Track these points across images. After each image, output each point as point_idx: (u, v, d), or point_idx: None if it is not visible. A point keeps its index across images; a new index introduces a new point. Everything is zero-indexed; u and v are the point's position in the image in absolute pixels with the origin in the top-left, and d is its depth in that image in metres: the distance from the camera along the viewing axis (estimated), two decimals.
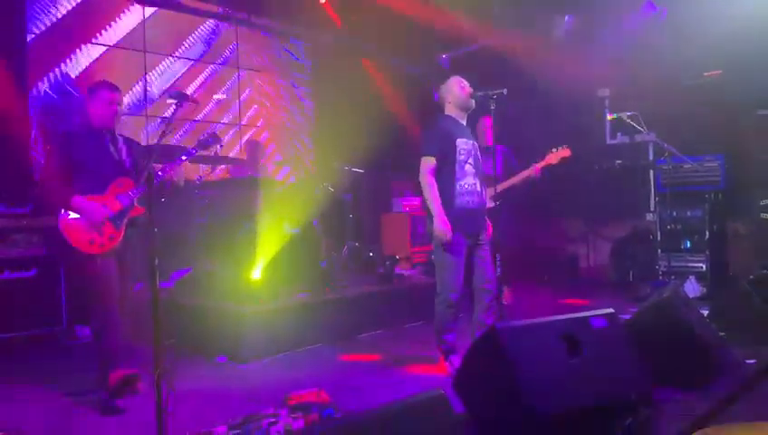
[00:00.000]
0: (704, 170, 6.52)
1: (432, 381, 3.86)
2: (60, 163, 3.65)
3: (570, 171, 5.34)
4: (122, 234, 3.64)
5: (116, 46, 6.79)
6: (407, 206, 7.99)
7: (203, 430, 2.87)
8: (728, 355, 3.96)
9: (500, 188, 5.16)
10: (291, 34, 8.55)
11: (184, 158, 3.83)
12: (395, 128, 8.25)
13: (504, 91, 4.02)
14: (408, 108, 8.62)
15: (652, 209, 6.96)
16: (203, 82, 7.58)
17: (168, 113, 6.67)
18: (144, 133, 6.75)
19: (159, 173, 3.72)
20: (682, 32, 6.68)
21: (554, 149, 5.15)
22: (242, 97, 8.00)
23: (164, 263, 4.31)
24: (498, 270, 4.20)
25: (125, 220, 3.65)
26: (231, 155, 7.39)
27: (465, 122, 4.19)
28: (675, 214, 6.61)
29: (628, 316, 3.96)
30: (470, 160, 4.05)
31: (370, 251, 6.77)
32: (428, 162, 4.00)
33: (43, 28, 6.17)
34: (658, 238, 6.74)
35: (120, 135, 3.92)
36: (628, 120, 6.02)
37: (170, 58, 7.25)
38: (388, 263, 6.24)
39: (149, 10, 7.08)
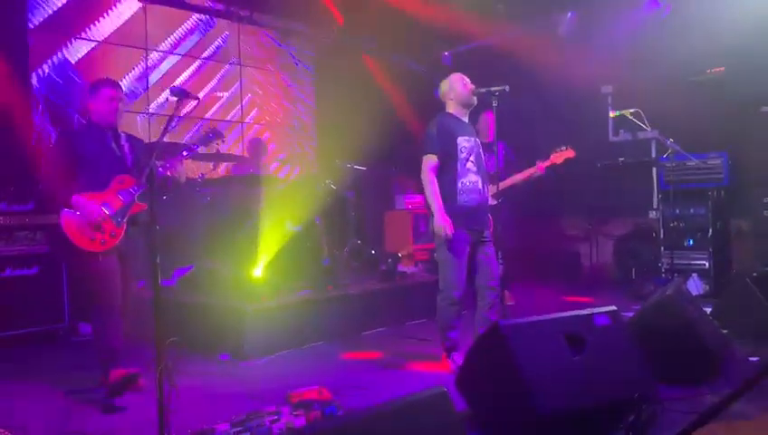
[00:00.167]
0: (707, 168, 6.50)
1: (435, 379, 3.85)
2: (62, 161, 3.65)
3: (572, 169, 5.33)
4: (124, 231, 3.62)
5: (117, 44, 6.79)
6: (409, 203, 7.98)
7: (205, 428, 2.87)
8: (731, 353, 3.96)
9: (502, 186, 5.16)
10: (292, 32, 8.54)
11: (185, 154, 3.83)
12: (397, 125, 8.24)
13: (507, 87, 4.01)
14: (410, 105, 8.61)
15: (655, 207, 6.95)
16: (200, 79, 7.57)
17: (168, 110, 6.70)
18: (138, 128, 6.77)
19: (161, 170, 3.70)
20: (685, 28, 6.66)
21: (561, 148, 5.15)
22: (243, 94, 7.99)
23: (166, 260, 4.32)
24: (500, 267, 4.19)
25: (126, 217, 3.63)
26: (233, 153, 7.38)
27: (466, 119, 4.19)
28: (678, 211, 6.60)
29: (631, 314, 3.95)
30: (471, 158, 4.04)
31: (373, 249, 6.77)
32: (430, 160, 4.00)
33: (41, 20, 6.15)
34: (661, 236, 6.73)
35: (123, 132, 3.90)
36: (631, 118, 6.00)
37: (171, 55, 7.26)
38: (390, 260, 6.23)
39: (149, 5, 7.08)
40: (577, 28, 7.62)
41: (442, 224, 3.90)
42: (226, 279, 5.24)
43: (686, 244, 6.59)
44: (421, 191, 4.12)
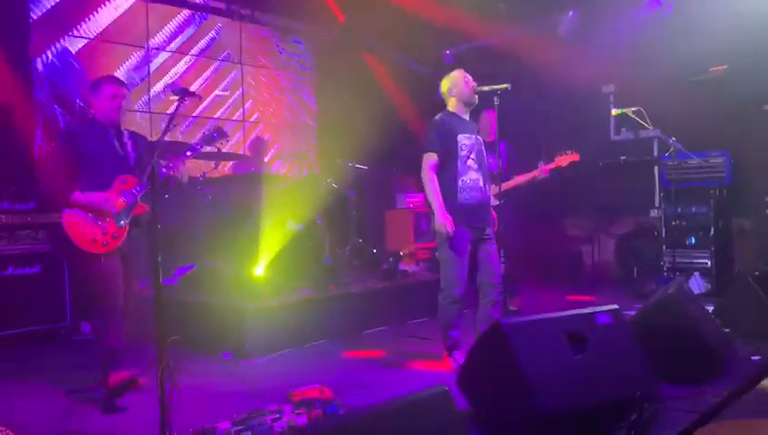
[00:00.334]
0: (709, 166, 6.50)
1: (436, 378, 3.86)
2: (64, 160, 3.62)
3: (573, 168, 5.33)
4: (126, 232, 3.59)
5: (118, 42, 6.79)
6: (410, 202, 7.97)
7: (207, 426, 2.87)
8: (733, 352, 3.95)
9: (505, 186, 5.17)
10: (293, 30, 8.54)
11: (189, 153, 3.80)
12: (398, 123, 8.24)
13: (509, 86, 4.01)
14: (412, 103, 8.60)
15: (657, 205, 6.94)
16: (197, 75, 7.57)
17: (171, 109, 6.70)
18: (138, 121, 6.78)
19: (164, 170, 3.67)
20: (687, 27, 6.65)
21: (566, 152, 5.20)
22: (244, 94, 7.99)
23: (167, 259, 4.32)
24: (503, 266, 4.19)
25: (129, 218, 3.60)
26: (234, 152, 7.38)
27: (468, 117, 4.19)
28: (680, 210, 6.59)
29: (632, 313, 3.94)
30: (472, 156, 4.04)
31: (374, 247, 6.77)
32: (430, 159, 4.01)
33: (41, 13, 6.17)
34: (663, 235, 6.73)
35: (126, 130, 3.86)
36: (633, 116, 6.00)
37: (170, 53, 7.26)
38: (391, 259, 6.23)
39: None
40: (578, 27, 7.61)
41: (442, 222, 3.90)
42: (228, 278, 5.24)
43: (687, 242, 6.59)
44: (422, 190, 4.11)
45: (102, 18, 6.62)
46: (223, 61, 7.71)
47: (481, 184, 4.06)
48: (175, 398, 2.65)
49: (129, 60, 6.87)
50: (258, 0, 7.82)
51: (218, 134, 3.87)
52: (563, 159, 5.22)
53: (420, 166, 4.05)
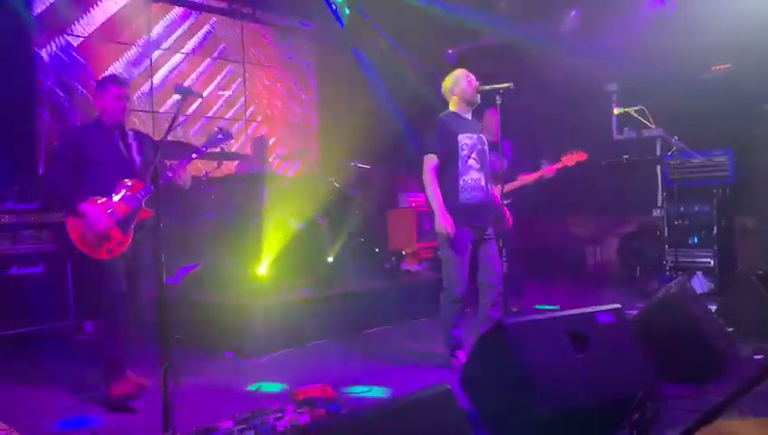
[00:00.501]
0: (712, 165, 6.48)
1: (438, 377, 3.85)
2: (68, 163, 3.54)
3: (576, 167, 5.32)
4: (131, 238, 3.51)
5: (121, 42, 6.81)
6: (413, 201, 7.96)
7: (209, 425, 2.88)
8: (736, 351, 3.95)
9: (511, 186, 5.17)
10: (295, 29, 8.54)
11: (194, 156, 3.70)
12: (401, 122, 8.23)
13: (511, 85, 4.01)
14: (414, 103, 8.60)
15: (659, 205, 6.93)
16: (199, 75, 7.59)
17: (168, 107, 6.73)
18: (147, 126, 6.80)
19: (170, 174, 3.58)
20: (690, 25, 6.63)
21: (573, 151, 5.17)
22: (246, 92, 8.00)
23: (171, 259, 4.32)
24: (505, 265, 4.19)
25: (133, 224, 3.52)
26: (236, 151, 7.39)
27: (470, 116, 4.18)
28: (682, 209, 6.57)
29: (635, 312, 3.94)
30: (473, 155, 4.03)
31: (376, 247, 6.77)
32: (430, 160, 4.02)
33: (43, 8, 6.22)
34: (666, 234, 6.71)
35: (131, 130, 3.79)
36: (636, 115, 5.99)
37: (169, 51, 7.28)
38: (393, 259, 6.24)
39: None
40: (581, 26, 7.60)
41: (443, 224, 3.92)
42: (231, 277, 5.25)
43: (690, 242, 6.57)
44: (424, 190, 4.12)
45: (101, 14, 6.66)
46: (217, 57, 7.70)
47: (482, 183, 4.05)
48: (178, 397, 2.65)
49: (129, 52, 6.90)
50: None
51: (224, 136, 3.80)
52: (570, 159, 5.18)
53: (421, 167, 4.05)
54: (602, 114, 7.36)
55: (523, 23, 7.68)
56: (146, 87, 7.03)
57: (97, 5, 6.62)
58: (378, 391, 3.68)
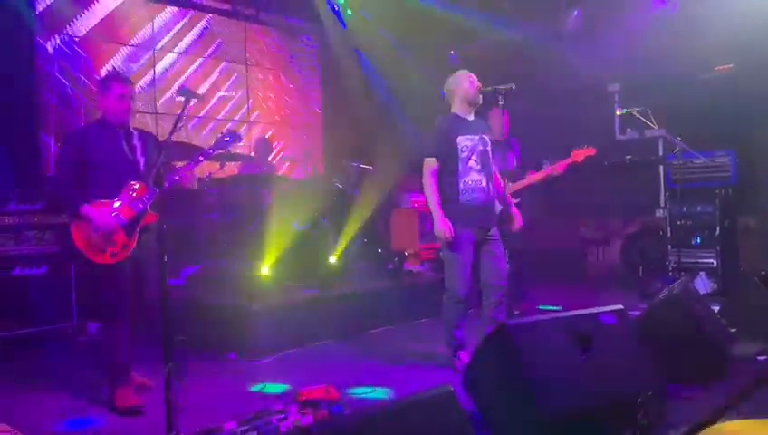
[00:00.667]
0: (715, 166, 6.47)
1: (441, 378, 3.85)
2: (71, 165, 3.49)
3: (579, 167, 5.32)
4: (135, 242, 3.47)
5: (124, 44, 6.83)
6: (415, 202, 7.97)
7: (212, 426, 2.88)
8: (739, 352, 3.94)
9: (518, 186, 5.16)
10: (298, 30, 8.55)
11: (201, 158, 3.65)
12: (403, 123, 8.23)
13: (513, 86, 4.00)
14: (416, 103, 8.60)
15: (662, 205, 6.91)
16: (202, 77, 7.60)
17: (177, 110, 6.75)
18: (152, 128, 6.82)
19: (176, 177, 3.53)
20: (693, 25, 6.62)
21: (581, 147, 5.15)
22: (249, 94, 8.01)
23: (174, 260, 4.31)
24: (508, 266, 4.19)
25: (138, 228, 3.48)
26: (239, 152, 7.40)
27: (472, 117, 4.17)
28: (685, 209, 6.56)
29: (638, 313, 3.94)
30: (474, 157, 4.03)
31: (379, 247, 6.77)
32: (429, 163, 4.04)
33: (45, 6, 6.29)
34: (668, 234, 6.70)
35: (136, 130, 3.71)
36: (638, 116, 5.98)
37: (174, 53, 7.29)
38: (396, 259, 6.24)
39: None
40: (583, 26, 7.59)
41: (441, 228, 3.94)
42: (234, 278, 5.26)
43: (693, 242, 6.56)
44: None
45: (102, 11, 6.72)
46: (220, 59, 7.71)
47: (483, 185, 4.04)
48: (181, 397, 2.66)
49: (130, 53, 6.94)
50: (263, 0, 7.84)
51: (231, 138, 3.70)
52: (579, 154, 5.16)
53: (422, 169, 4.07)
54: (604, 114, 7.35)
55: (525, 23, 7.68)
56: (149, 89, 7.04)
57: (96, 2, 6.68)
58: (380, 392, 3.69)
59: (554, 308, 5.56)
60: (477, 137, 4.08)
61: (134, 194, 3.49)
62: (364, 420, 2.08)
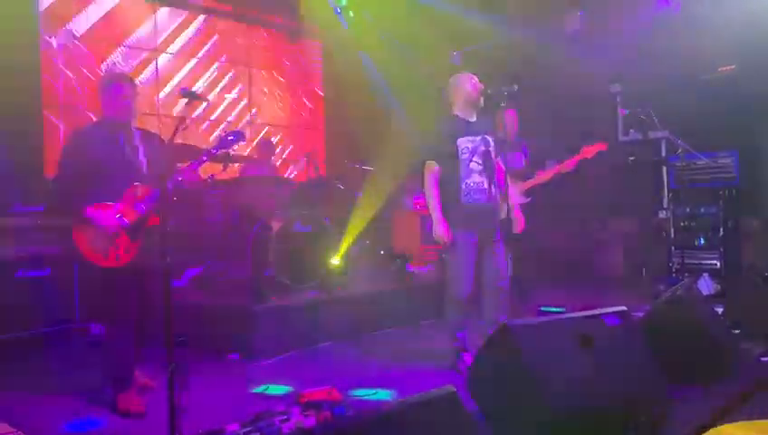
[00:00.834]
0: (718, 167, 6.46)
1: (444, 379, 3.84)
2: (73, 167, 3.45)
3: (582, 168, 5.31)
4: (139, 246, 3.43)
5: (127, 45, 6.84)
6: (417, 203, 7.97)
7: (215, 428, 2.88)
8: (742, 353, 3.93)
9: (528, 185, 5.15)
10: (300, 31, 8.56)
11: (205, 159, 3.58)
12: (405, 124, 8.23)
13: (515, 87, 4.00)
14: (419, 104, 8.60)
15: (665, 206, 6.90)
16: (205, 79, 7.62)
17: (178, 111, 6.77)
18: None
19: (180, 178, 3.45)
20: (695, 26, 6.61)
21: (592, 143, 5.15)
22: (251, 96, 8.02)
23: (176, 261, 4.29)
24: (510, 269, 4.19)
25: (142, 231, 3.44)
26: (242, 154, 7.41)
27: (474, 118, 4.16)
28: (688, 211, 6.56)
29: (641, 314, 3.93)
30: (475, 158, 4.02)
31: (382, 249, 6.77)
32: (430, 167, 4.06)
33: (47, 4, 6.35)
34: (672, 235, 6.69)
35: (138, 129, 3.65)
36: (641, 117, 5.97)
37: (168, 53, 7.31)
38: (399, 261, 6.23)
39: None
40: (586, 27, 7.59)
41: (440, 233, 3.96)
42: (236, 279, 5.26)
43: (696, 243, 6.55)
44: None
45: (101, 10, 6.76)
46: (222, 61, 7.72)
47: (486, 186, 4.03)
48: (183, 399, 2.66)
49: (130, 53, 6.97)
50: (265, 2, 7.85)
51: (235, 137, 3.59)
52: (590, 150, 5.14)
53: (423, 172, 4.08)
54: (607, 115, 7.35)
55: (527, 24, 7.68)
56: (150, 90, 7.05)
57: (95, 2, 6.73)
58: (383, 394, 3.68)
59: (557, 310, 5.54)
60: (479, 138, 4.07)
61: (137, 196, 3.44)
62: (367, 421, 2.08)
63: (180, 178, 3.48)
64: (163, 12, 7.21)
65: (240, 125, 7.84)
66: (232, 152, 5.83)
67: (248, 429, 2.86)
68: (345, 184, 6.43)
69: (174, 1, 7.27)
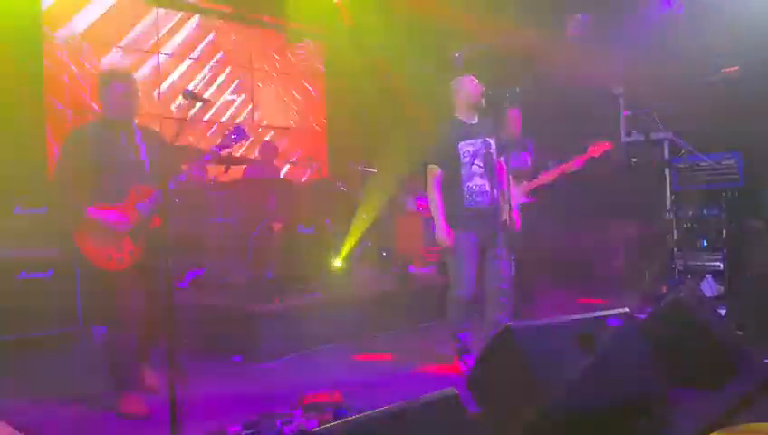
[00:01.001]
0: (721, 168, 6.43)
1: (446, 381, 3.85)
2: (74, 168, 3.38)
3: (584, 169, 5.31)
4: (142, 248, 3.39)
5: (129, 47, 6.86)
6: (420, 205, 7.97)
7: (217, 430, 2.88)
8: (745, 355, 3.91)
9: (531, 185, 5.15)
10: (304, 34, 8.57)
11: (208, 158, 3.60)
12: (408, 126, 8.23)
13: (518, 88, 4.00)
14: (421, 106, 8.60)
15: (668, 208, 6.89)
16: (206, 80, 7.62)
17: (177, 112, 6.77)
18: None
19: (183, 178, 3.42)
20: (698, 27, 6.60)
21: (597, 142, 5.15)
22: (253, 97, 8.03)
23: (178, 263, 4.32)
24: (512, 271, 4.18)
25: (144, 233, 3.40)
26: (244, 156, 7.42)
27: (476, 120, 4.16)
28: (691, 213, 6.54)
29: (643, 316, 3.92)
30: (477, 161, 4.03)
31: (384, 250, 6.77)
32: (432, 171, 4.08)
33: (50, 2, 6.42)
34: (675, 237, 6.67)
35: (140, 128, 3.59)
36: (644, 118, 5.97)
37: (176, 57, 7.32)
38: (401, 262, 6.23)
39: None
40: (588, 28, 7.58)
41: (442, 238, 3.98)
42: (238, 281, 5.26)
43: (699, 245, 6.53)
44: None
45: (101, 10, 6.80)
46: (224, 63, 7.74)
47: (487, 188, 4.03)
48: (186, 401, 2.66)
49: (130, 53, 6.99)
50: (267, 3, 7.86)
51: (238, 135, 3.56)
52: (596, 149, 5.15)
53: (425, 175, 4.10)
54: (610, 117, 7.34)
55: (529, 25, 7.67)
56: (150, 91, 7.07)
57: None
58: (385, 396, 3.67)
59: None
60: (480, 140, 4.07)
61: (139, 197, 3.40)
62: (369, 423, 2.07)
63: (183, 179, 3.44)
64: (163, 13, 7.22)
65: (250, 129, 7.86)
66: (234, 154, 5.87)
67: (250, 431, 2.86)
68: (347, 185, 6.43)
69: (174, 1, 7.28)
